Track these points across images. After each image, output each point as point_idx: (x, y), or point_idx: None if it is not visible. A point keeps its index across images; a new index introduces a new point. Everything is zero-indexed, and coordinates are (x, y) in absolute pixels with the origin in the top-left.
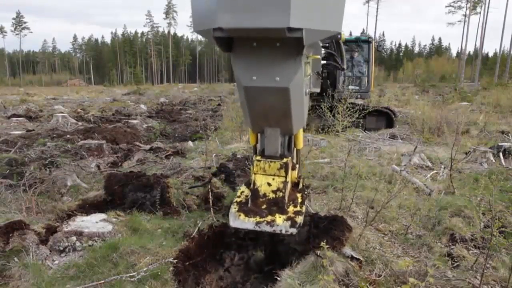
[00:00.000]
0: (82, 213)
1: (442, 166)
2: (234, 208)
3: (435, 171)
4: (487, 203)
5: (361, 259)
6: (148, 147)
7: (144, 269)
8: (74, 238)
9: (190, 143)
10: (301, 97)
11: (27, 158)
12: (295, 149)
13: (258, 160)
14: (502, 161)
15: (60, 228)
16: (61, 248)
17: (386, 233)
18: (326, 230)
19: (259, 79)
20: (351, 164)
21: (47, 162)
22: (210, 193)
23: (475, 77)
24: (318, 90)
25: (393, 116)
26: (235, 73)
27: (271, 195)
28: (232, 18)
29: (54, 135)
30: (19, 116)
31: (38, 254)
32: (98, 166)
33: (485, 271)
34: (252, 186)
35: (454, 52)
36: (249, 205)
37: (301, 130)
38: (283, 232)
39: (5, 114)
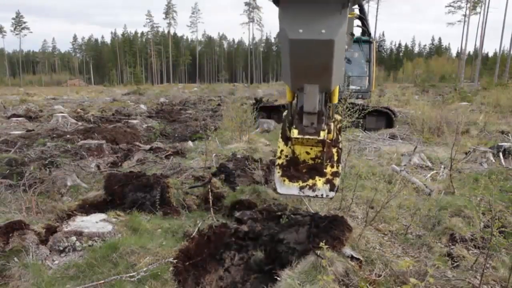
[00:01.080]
0: (82, 213)
1: (442, 166)
2: (278, 173)
3: (435, 171)
4: (487, 203)
5: (361, 259)
6: (148, 147)
7: (144, 269)
8: (74, 238)
9: (190, 143)
10: (342, 52)
11: (27, 158)
12: (331, 104)
13: (296, 138)
14: (502, 161)
15: (60, 228)
16: (61, 248)
17: (386, 233)
18: (326, 230)
19: (305, 32)
20: (351, 164)
21: (47, 162)
22: (210, 193)
23: (475, 77)
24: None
25: (393, 116)
26: (281, 26)
27: (310, 162)
28: None
29: (54, 135)
30: (19, 116)
31: (38, 254)
32: (98, 166)
33: (485, 271)
34: (292, 154)
35: (454, 52)
36: (291, 170)
37: (338, 86)
38: (324, 196)
39: (5, 114)
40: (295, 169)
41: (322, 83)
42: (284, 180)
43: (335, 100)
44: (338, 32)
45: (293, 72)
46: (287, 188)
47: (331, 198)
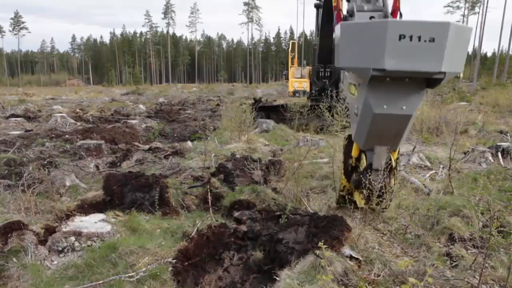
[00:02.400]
0: (81, 213)
1: (441, 166)
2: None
3: (433, 171)
4: (486, 203)
5: (360, 258)
6: (147, 147)
7: (143, 269)
8: (73, 238)
9: (189, 143)
10: (413, 121)
11: (26, 158)
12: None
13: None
14: (501, 160)
15: (59, 228)
16: (60, 249)
17: (385, 232)
18: (325, 229)
19: (389, 108)
20: None
21: (45, 162)
22: (209, 193)
23: (473, 77)
24: None
25: None
26: (367, 102)
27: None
28: (396, 63)
29: (53, 135)
30: (18, 116)
31: (37, 254)
32: (97, 166)
33: (483, 270)
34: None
35: None
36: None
37: (399, 147)
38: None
39: (3, 114)
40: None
41: (392, 145)
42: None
43: (395, 155)
44: (416, 108)
45: (368, 136)
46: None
47: None
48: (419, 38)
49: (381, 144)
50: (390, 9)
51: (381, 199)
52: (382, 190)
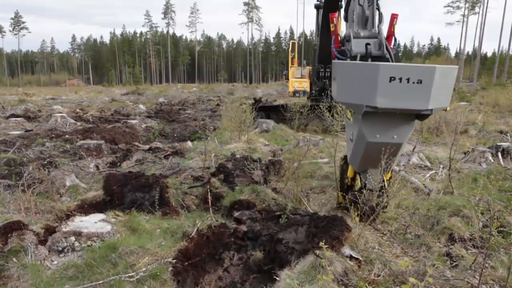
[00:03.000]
0: (81, 213)
1: (441, 166)
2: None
3: (434, 171)
4: (486, 203)
5: (360, 258)
6: (147, 147)
7: (143, 269)
8: (73, 238)
9: (189, 143)
10: (404, 147)
11: (26, 158)
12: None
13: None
14: (501, 160)
15: (59, 229)
16: (60, 249)
17: (385, 232)
18: (325, 229)
19: (381, 137)
20: None
21: (45, 162)
22: (209, 193)
23: (473, 77)
24: None
25: None
26: (361, 131)
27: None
28: (386, 101)
29: (53, 135)
30: (18, 116)
31: (37, 254)
32: (97, 166)
33: (483, 270)
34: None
35: (453, 52)
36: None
37: (392, 169)
38: None
39: (3, 114)
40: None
41: (384, 168)
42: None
43: (388, 176)
44: (406, 136)
45: (362, 160)
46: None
47: None
48: (408, 80)
49: (374, 167)
50: (385, 33)
51: (375, 215)
52: (377, 207)
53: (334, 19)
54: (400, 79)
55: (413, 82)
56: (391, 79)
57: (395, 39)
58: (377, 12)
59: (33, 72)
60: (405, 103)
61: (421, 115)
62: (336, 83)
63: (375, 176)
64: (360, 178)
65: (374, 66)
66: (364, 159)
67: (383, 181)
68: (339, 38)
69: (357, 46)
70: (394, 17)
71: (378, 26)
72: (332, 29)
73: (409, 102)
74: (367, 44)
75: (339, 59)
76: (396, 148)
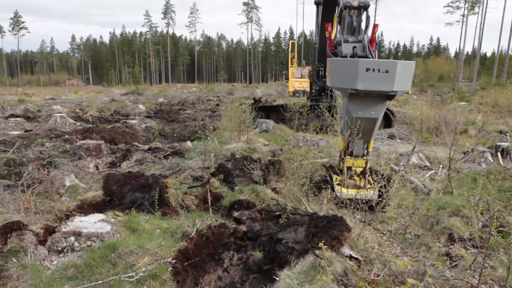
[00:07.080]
0: (80, 214)
1: (441, 166)
2: (337, 186)
3: (433, 171)
4: (485, 203)
5: (360, 258)
6: (146, 147)
7: (143, 269)
8: (72, 238)
9: (188, 143)
10: (380, 122)
11: (25, 159)
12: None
13: (350, 158)
14: (500, 160)
15: (58, 229)
16: (60, 249)
17: (384, 232)
18: (325, 229)
19: (362, 113)
20: None
21: (45, 162)
22: (208, 193)
23: (473, 77)
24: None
25: (391, 116)
26: (348, 109)
27: (359, 170)
28: (365, 85)
29: (52, 135)
30: (17, 116)
31: (37, 254)
32: (96, 166)
33: (483, 270)
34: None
35: (452, 52)
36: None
37: (372, 140)
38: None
39: (3, 114)
40: (349, 177)
41: (365, 138)
42: (341, 189)
43: (370, 147)
44: (381, 113)
45: (350, 131)
46: (346, 194)
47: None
48: (379, 70)
49: (359, 138)
50: (368, 39)
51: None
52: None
53: (329, 27)
54: (373, 69)
55: (383, 72)
56: (367, 69)
57: (377, 43)
58: (365, 17)
59: (33, 72)
60: (378, 86)
61: (389, 96)
62: (329, 74)
63: (359, 145)
64: (349, 146)
65: (355, 61)
66: (351, 130)
67: (366, 148)
68: (333, 43)
69: (346, 49)
70: (375, 26)
71: (363, 34)
72: (327, 35)
73: (380, 85)
74: (354, 47)
75: None
76: (373, 122)
